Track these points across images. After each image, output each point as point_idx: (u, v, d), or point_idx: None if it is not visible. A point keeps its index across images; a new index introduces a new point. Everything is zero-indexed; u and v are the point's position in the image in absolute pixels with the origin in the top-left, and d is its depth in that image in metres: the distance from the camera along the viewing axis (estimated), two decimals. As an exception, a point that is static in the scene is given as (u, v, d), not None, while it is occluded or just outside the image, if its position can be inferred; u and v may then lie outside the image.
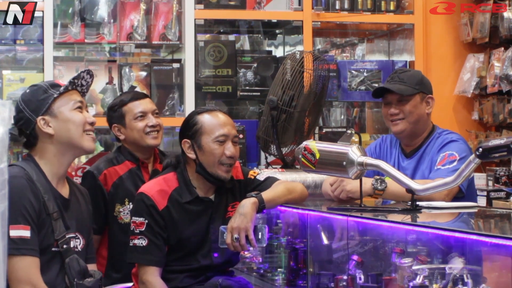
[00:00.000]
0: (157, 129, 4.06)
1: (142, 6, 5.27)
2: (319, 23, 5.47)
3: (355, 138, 3.36)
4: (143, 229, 3.36)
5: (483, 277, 2.78)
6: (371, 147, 4.14)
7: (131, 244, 3.38)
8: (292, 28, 5.72)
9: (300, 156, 3.36)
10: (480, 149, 2.90)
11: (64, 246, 3.07)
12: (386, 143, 4.08)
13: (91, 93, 5.05)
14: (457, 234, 2.79)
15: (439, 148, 3.83)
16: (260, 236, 3.31)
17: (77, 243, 3.15)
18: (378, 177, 3.56)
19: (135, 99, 4.08)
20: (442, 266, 2.96)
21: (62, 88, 3.13)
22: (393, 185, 3.46)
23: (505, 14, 5.45)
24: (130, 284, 3.57)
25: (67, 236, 3.08)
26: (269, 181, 3.53)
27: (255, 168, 4.39)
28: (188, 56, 5.27)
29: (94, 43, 5.32)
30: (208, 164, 3.39)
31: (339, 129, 5.27)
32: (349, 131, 3.33)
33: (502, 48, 5.54)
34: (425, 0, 5.61)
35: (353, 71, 5.50)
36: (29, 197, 3.00)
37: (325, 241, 3.53)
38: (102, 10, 5.26)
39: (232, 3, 5.40)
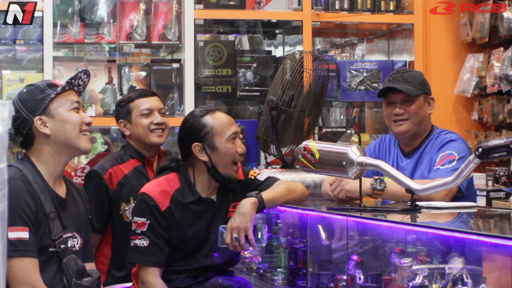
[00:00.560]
0: (162, 127, 4.05)
1: (142, 6, 5.27)
2: (319, 23, 5.47)
3: (355, 138, 3.35)
4: (145, 229, 3.36)
5: (483, 277, 2.78)
6: (371, 147, 4.14)
7: (132, 244, 3.38)
8: (291, 28, 5.72)
9: (300, 156, 3.36)
10: (480, 149, 2.90)
11: (62, 246, 3.06)
12: (385, 143, 4.08)
13: (91, 93, 5.04)
14: (456, 234, 2.79)
15: (438, 148, 3.83)
16: (259, 236, 3.31)
17: (75, 242, 3.15)
18: (377, 177, 3.57)
19: (142, 96, 4.08)
20: (441, 266, 2.95)
21: (59, 89, 3.12)
22: (392, 185, 3.46)
23: (505, 14, 5.45)
24: (130, 284, 3.57)
25: (64, 236, 3.08)
26: (270, 181, 3.53)
27: (254, 168, 4.38)
28: (188, 56, 5.27)
29: (94, 43, 5.32)
30: (223, 165, 3.39)
31: (339, 129, 5.27)
32: (348, 131, 3.33)
33: (502, 48, 5.54)
34: (424, 0, 5.61)
35: (352, 71, 5.50)
36: (26, 198, 3.00)
37: (325, 241, 3.53)
38: (102, 10, 5.26)
39: (231, 3, 5.40)
